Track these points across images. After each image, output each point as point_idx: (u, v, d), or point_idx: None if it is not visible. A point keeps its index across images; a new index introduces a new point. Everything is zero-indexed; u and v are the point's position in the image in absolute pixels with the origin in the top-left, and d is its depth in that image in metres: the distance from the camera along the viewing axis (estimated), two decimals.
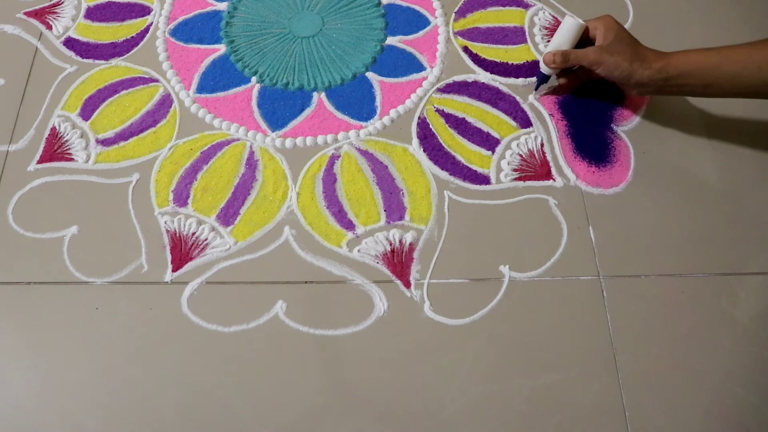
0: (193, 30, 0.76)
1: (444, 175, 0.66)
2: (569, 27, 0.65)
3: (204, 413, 0.54)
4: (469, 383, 0.56)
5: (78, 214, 0.63)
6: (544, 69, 0.68)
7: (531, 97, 0.70)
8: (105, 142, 0.68)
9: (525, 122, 0.70)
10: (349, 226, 0.63)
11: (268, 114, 0.70)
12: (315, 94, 0.72)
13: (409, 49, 0.75)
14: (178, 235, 0.62)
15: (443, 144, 0.68)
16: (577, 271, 0.61)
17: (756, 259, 0.62)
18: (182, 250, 0.61)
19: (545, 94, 0.71)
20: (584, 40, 0.66)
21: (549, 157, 0.68)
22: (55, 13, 0.77)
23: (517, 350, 0.57)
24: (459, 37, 0.76)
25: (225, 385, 0.55)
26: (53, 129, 0.68)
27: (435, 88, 0.72)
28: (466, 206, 0.65)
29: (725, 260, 0.62)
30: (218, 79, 0.72)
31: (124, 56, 0.74)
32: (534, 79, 0.72)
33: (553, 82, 0.71)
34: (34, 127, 0.68)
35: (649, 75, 0.61)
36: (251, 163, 0.66)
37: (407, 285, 0.60)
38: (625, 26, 0.77)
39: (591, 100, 0.72)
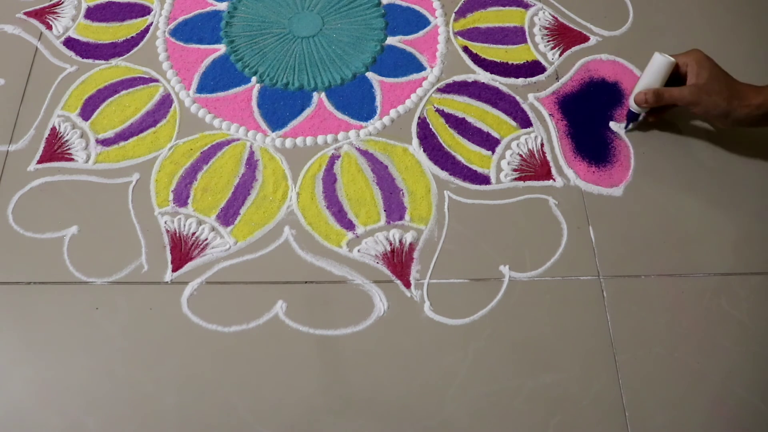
0: (193, 30, 0.76)
1: (444, 175, 0.66)
2: (659, 65, 0.63)
3: (204, 413, 0.54)
4: (469, 383, 0.56)
5: (78, 214, 0.63)
6: (633, 107, 0.66)
7: (622, 132, 0.69)
8: (105, 142, 0.68)
9: (525, 122, 0.70)
10: (349, 226, 0.63)
11: (268, 114, 0.70)
12: (315, 94, 0.72)
13: (409, 49, 0.75)
14: (178, 235, 0.62)
15: (443, 144, 0.68)
16: (577, 271, 0.61)
17: (756, 259, 0.62)
18: (182, 250, 0.61)
19: (632, 130, 0.69)
20: (673, 75, 0.64)
21: (549, 157, 0.68)
22: (55, 13, 0.77)
23: (517, 350, 0.57)
24: (459, 37, 0.76)
25: (225, 385, 0.55)
26: (53, 129, 0.68)
27: (435, 88, 0.72)
28: (466, 206, 0.65)
29: (725, 260, 0.62)
30: (218, 79, 0.72)
31: (124, 56, 0.74)
32: (533, 79, 0.73)
33: (640, 118, 0.68)
34: (34, 127, 0.68)
35: (748, 112, 0.60)
36: (251, 163, 0.66)
37: (407, 285, 0.60)
38: (625, 26, 0.78)
39: (591, 100, 0.72)
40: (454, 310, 0.59)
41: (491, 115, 0.70)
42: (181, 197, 0.64)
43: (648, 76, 0.65)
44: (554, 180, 0.66)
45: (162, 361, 0.56)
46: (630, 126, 0.69)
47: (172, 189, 0.65)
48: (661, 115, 0.68)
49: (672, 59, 0.63)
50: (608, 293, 0.60)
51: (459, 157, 0.67)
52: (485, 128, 0.69)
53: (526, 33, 0.77)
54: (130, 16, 0.77)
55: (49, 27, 0.76)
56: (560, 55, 0.75)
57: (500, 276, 0.61)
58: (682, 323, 0.59)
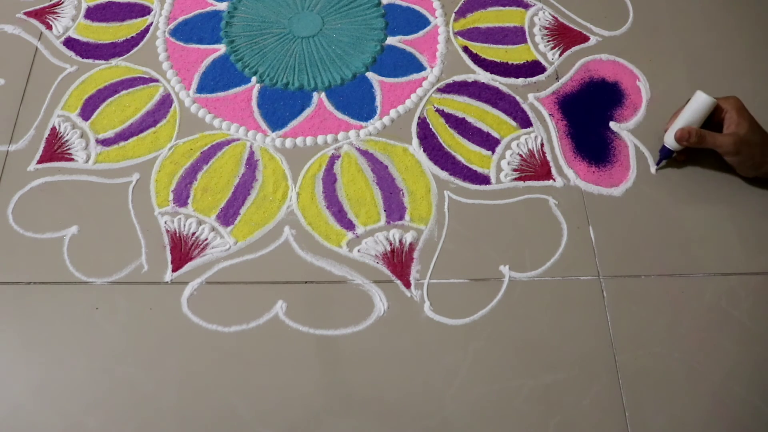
0: (193, 30, 0.76)
1: (444, 175, 0.66)
2: (702, 104, 0.62)
3: (204, 413, 0.54)
4: (469, 383, 0.56)
5: (78, 214, 0.63)
6: (670, 144, 0.64)
7: (653, 170, 0.66)
8: (105, 142, 0.68)
9: (525, 122, 0.70)
10: (349, 226, 0.63)
11: (268, 114, 0.70)
12: (315, 94, 0.72)
13: (409, 49, 0.75)
14: (178, 235, 0.62)
15: (443, 144, 0.68)
16: (577, 271, 0.61)
17: (756, 259, 0.62)
18: (182, 250, 0.61)
19: (663, 167, 0.67)
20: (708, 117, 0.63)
21: (549, 157, 0.68)
22: (55, 13, 0.77)
23: (517, 350, 0.57)
24: (459, 37, 0.76)
25: (225, 385, 0.55)
26: (53, 129, 0.68)
27: (435, 88, 0.72)
28: (466, 206, 0.65)
29: (725, 260, 0.62)
30: (218, 79, 0.72)
31: (124, 56, 0.74)
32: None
33: (674, 155, 0.66)
34: (34, 127, 0.68)
35: None
36: (251, 163, 0.66)
37: (407, 285, 0.60)
38: (625, 26, 0.78)
39: (591, 100, 0.72)
40: (454, 310, 0.59)
41: (491, 115, 0.70)
42: (181, 197, 0.64)
43: (688, 113, 0.63)
44: (554, 180, 0.66)
45: (162, 361, 0.56)
46: (663, 163, 0.66)
47: (172, 189, 0.65)
48: (687, 156, 0.66)
49: (714, 100, 0.62)
50: (608, 293, 0.60)
51: (459, 157, 0.67)
52: (485, 128, 0.69)
53: (526, 33, 0.77)
54: (130, 16, 0.77)
55: (49, 27, 0.76)
56: (560, 55, 0.75)
57: (500, 276, 0.61)
58: (682, 323, 0.59)
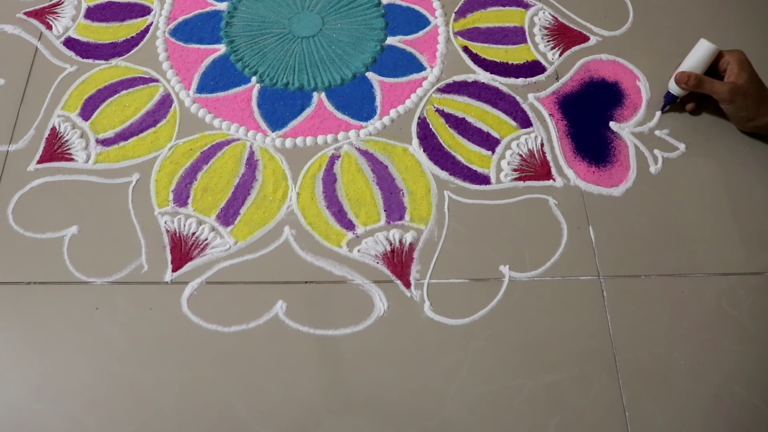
0: (193, 30, 0.76)
1: (444, 175, 0.66)
2: (705, 51, 0.66)
3: (204, 413, 0.54)
4: (469, 383, 0.56)
5: (78, 214, 0.63)
6: (673, 89, 0.68)
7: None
8: (105, 142, 0.68)
9: (525, 122, 0.70)
10: (349, 226, 0.63)
11: (268, 114, 0.70)
12: (315, 94, 0.72)
13: (409, 49, 0.75)
14: (178, 235, 0.62)
15: (443, 144, 0.68)
16: (577, 271, 0.61)
17: (756, 259, 0.62)
18: (182, 250, 0.61)
19: (668, 111, 0.71)
20: (712, 66, 0.67)
21: (549, 157, 0.68)
22: (55, 13, 0.77)
23: (517, 350, 0.57)
24: (459, 37, 0.76)
25: (225, 385, 0.55)
26: (53, 129, 0.68)
27: (435, 88, 0.72)
28: (466, 206, 0.65)
29: (725, 260, 0.62)
30: (218, 79, 0.72)
31: (124, 56, 0.74)
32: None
33: (678, 100, 0.70)
34: (34, 127, 0.68)
35: None
36: (251, 163, 0.67)
37: (407, 285, 0.60)
38: (625, 26, 0.78)
39: (591, 100, 0.72)
40: (454, 310, 0.59)
41: (491, 115, 0.70)
42: (181, 197, 0.64)
43: (691, 59, 0.67)
44: (554, 180, 0.66)
45: (162, 361, 0.56)
46: (667, 108, 0.70)
47: (172, 189, 0.65)
48: (697, 105, 0.70)
49: (716, 47, 0.65)
50: (608, 293, 0.60)
51: (459, 157, 0.67)
52: (485, 128, 0.69)
53: (526, 33, 0.77)
54: (130, 16, 0.77)
55: (49, 27, 0.76)
56: (560, 55, 0.75)
57: (500, 276, 0.61)
58: (682, 323, 0.59)
